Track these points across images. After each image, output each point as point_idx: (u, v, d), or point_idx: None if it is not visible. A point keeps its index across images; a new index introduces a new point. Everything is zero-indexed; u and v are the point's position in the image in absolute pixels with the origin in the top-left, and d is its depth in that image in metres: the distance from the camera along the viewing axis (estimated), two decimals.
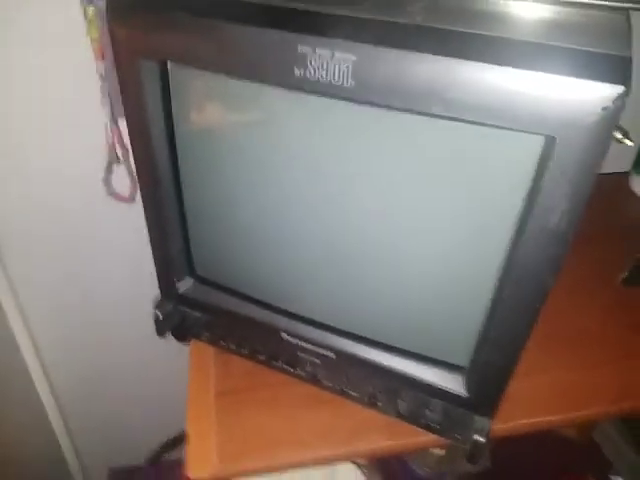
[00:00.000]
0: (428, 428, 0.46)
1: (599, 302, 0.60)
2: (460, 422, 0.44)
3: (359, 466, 0.76)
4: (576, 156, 0.27)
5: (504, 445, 0.88)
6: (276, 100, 0.34)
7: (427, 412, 0.45)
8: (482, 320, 0.38)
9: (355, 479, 0.73)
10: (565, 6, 0.30)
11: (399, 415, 0.46)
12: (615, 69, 0.26)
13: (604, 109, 0.26)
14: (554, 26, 0.30)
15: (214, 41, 0.32)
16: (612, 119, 0.26)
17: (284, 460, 0.47)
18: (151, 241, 0.47)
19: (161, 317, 0.50)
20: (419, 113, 0.29)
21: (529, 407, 0.50)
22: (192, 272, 0.49)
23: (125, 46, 0.35)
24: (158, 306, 0.50)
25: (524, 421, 0.49)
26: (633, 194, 0.76)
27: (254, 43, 0.31)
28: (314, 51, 0.29)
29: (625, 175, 0.78)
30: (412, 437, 0.47)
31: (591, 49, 0.27)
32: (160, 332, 0.52)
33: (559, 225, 0.30)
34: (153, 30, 0.34)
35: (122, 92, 0.37)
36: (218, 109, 0.38)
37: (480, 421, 0.43)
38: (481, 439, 0.42)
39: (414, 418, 0.46)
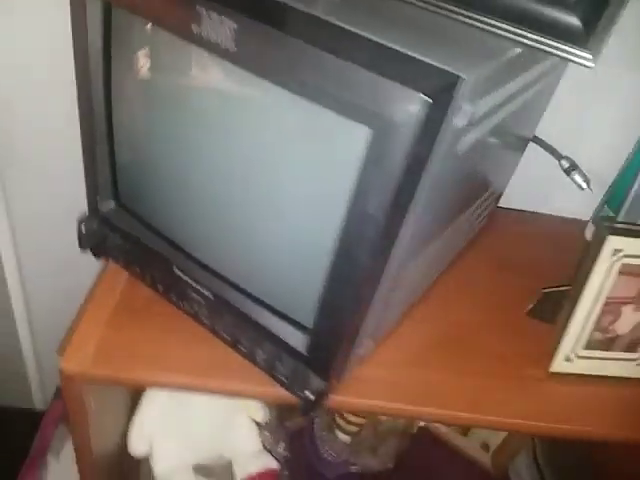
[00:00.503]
0: (278, 380, 0.51)
1: (502, 324, 0.65)
2: (302, 379, 0.49)
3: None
4: (386, 150, 0.32)
5: (416, 457, 0.93)
6: (182, 51, 0.40)
7: (278, 365, 0.50)
8: (321, 287, 0.43)
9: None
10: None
11: (257, 363, 0.51)
12: (430, 81, 0.31)
13: (404, 109, 0.31)
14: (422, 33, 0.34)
15: None
16: (417, 124, 0.31)
17: (148, 379, 0.52)
18: (84, 161, 0.53)
19: (83, 231, 0.57)
20: (277, 84, 0.35)
21: (385, 392, 0.55)
22: (116, 197, 0.55)
23: None
24: (83, 221, 0.57)
25: (365, 401, 0.54)
26: (582, 238, 0.79)
27: None
28: (207, 13, 0.35)
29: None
30: (262, 386, 0.52)
31: (422, 59, 0.32)
32: (82, 245, 0.58)
33: (375, 212, 0.35)
34: None
35: (72, 27, 0.44)
36: (143, 53, 0.44)
37: (316, 381, 0.48)
38: (310, 396, 0.47)
39: (268, 368, 0.51)
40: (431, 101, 0.31)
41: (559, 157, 0.71)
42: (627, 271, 0.56)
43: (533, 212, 0.86)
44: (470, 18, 0.40)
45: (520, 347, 0.63)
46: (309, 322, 0.46)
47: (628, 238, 0.54)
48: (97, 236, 0.57)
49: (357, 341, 0.49)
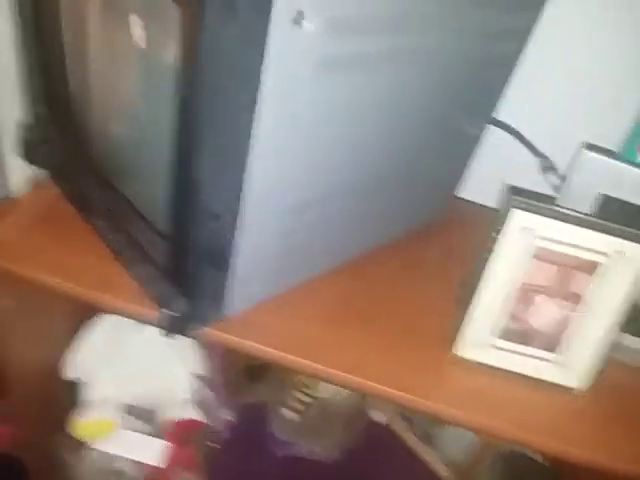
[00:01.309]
0: (154, 298, 0.51)
1: (426, 305, 0.62)
2: (167, 296, 0.48)
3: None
4: (186, 27, 0.33)
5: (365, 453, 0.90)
6: None
7: (155, 283, 0.50)
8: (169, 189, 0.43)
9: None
10: None
11: (136, 278, 0.52)
12: None
13: None
14: None
15: None
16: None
17: (43, 279, 0.54)
18: (22, 69, 0.57)
19: (22, 135, 0.60)
20: None
21: (266, 336, 0.53)
22: (50, 107, 0.58)
23: None
24: (21, 125, 0.60)
25: (240, 340, 0.53)
26: None
27: None
28: None
29: None
30: (145, 307, 0.52)
31: None
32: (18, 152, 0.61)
33: (188, 94, 0.35)
34: None
35: None
36: None
37: (180, 301, 0.48)
38: (166, 312, 0.47)
39: (145, 286, 0.51)
40: None
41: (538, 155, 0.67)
42: (542, 256, 0.51)
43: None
44: None
45: (435, 329, 0.59)
46: (167, 231, 0.46)
47: (539, 216, 0.49)
48: (32, 144, 0.60)
49: (231, 273, 0.48)
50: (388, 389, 0.53)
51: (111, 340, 0.78)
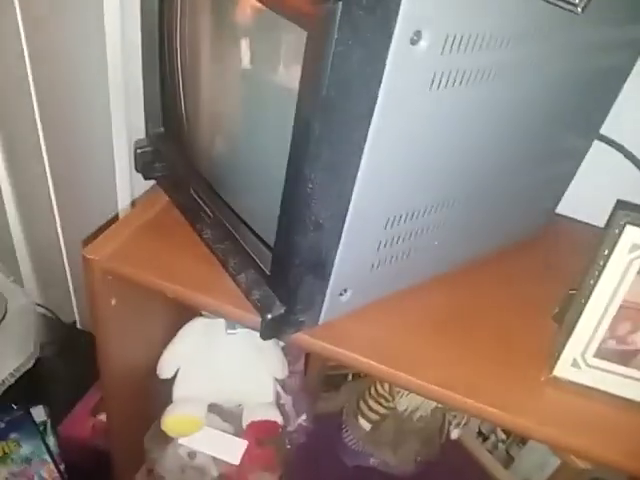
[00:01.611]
0: (253, 304, 0.53)
1: (523, 321, 0.61)
2: (267, 302, 0.51)
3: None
4: (311, 50, 0.35)
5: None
6: None
7: (255, 289, 0.53)
8: (279, 205, 0.45)
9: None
10: None
11: (239, 284, 0.55)
12: None
13: (325, 9, 0.33)
14: None
15: None
16: (332, 21, 0.33)
17: (154, 282, 0.58)
18: (143, 89, 0.62)
19: (138, 151, 0.66)
20: None
21: (361, 346, 0.54)
22: (164, 123, 0.64)
23: None
24: (138, 142, 0.66)
25: (335, 348, 0.54)
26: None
27: None
28: None
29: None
30: (244, 311, 0.55)
31: None
32: (135, 166, 0.67)
33: (305, 116, 0.37)
34: None
35: None
36: None
37: (277, 306, 0.50)
38: (268, 316, 0.49)
39: (247, 291, 0.54)
40: (357, 4, 0.32)
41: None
42: None
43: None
44: None
45: (533, 346, 0.58)
46: (272, 240, 0.48)
47: None
48: (147, 159, 0.65)
49: (329, 280, 0.50)
50: (480, 405, 0.52)
51: (203, 341, 0.82)
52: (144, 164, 0.66)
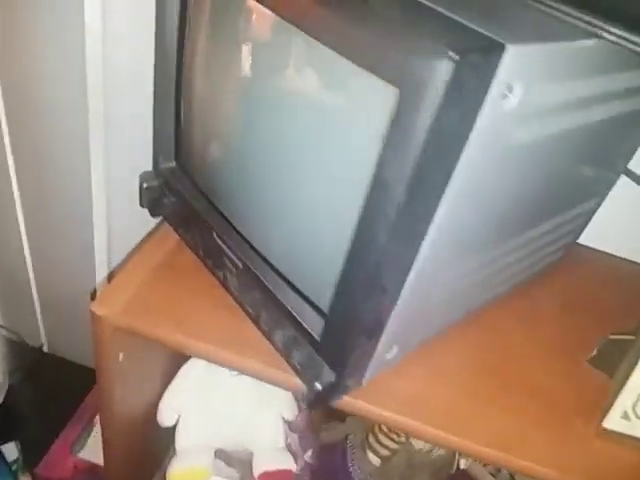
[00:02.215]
0: (292, 365, 0.49)
1: (558, 366, 0.59)
2: (313, 368, 0.46)
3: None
4: (408, 110, 0.30)
5: None
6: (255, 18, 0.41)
7: (293, 348, 0.48)
8: (339, 268, 0.40)
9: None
10: None
11: (274, 343, 0.50)
12: (455, 37, 0.29)
13: (431, 69, 0.28)
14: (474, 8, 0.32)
15: None
16: (440, 81, 0.28)
17: (168, 338, 0.53)
18: (153, 120, 0.56)
19: (144, 186, 0.59)
20: (314, 37, 0.34)
21: (405, 406, 0.51)
22: (177, 158, 0.57)
23: None
24: (144, 176, 0.59)
25: (381, 410, 0.50)
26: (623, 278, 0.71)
27: None
28: None
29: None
30: (275, 369, 0.50)
31: (463, 21, 0.30)
32: (140, 201, 0.61)
33: (389, 178, 0.33)
34: None
35: None
36: (214, 17, 0.45)
37: (327, 373, 0.45)
38: (318, 386, 0.45)
39: (284, 350, 0.49)
40: (463, 62, 0.28)
41: None
42: None
43: (617, 256, 0.77)
44: (538, 2, 0.37)
45: (573, 394, 0.56)
46: (325, 306, 0.44)
47: None
48: (155, 194, 0.59)
49: (379, 340, 0.46)
50: (532, 465, 0.50)
51: (204, 383, 0.77)
52: (151, 200, 0.59)
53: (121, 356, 0.57)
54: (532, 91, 0.35)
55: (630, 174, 0.64)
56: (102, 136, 0.94)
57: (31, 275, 1.25)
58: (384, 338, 0.46)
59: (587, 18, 0.37)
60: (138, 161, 0.94)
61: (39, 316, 1.33)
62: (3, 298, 1.31)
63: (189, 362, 0.77)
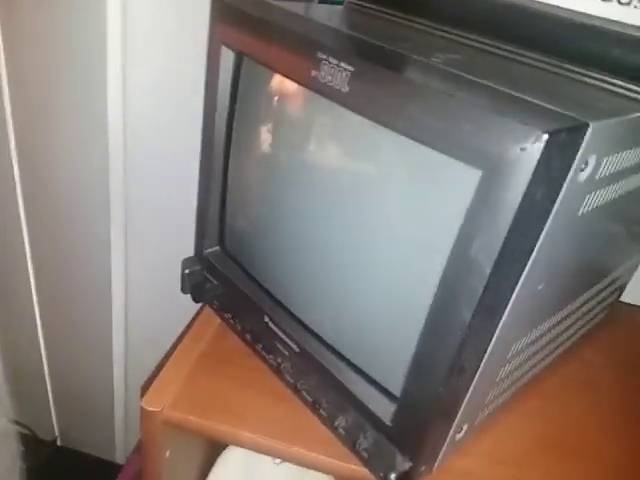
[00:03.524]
0: (357, 454, 0.46)
1: (623, 433, 0.56)
2: (384, 456, 0.44)
3: None
4: (496, 190, 0.30)
5: None
6: (301, 101, 0.42)
7: (360, 436, 0.46)
8: (413, 348, 0.39)
9: None
10: None
11: (336, 431, 0.48)
12: (542, 118, 0.29)
13: (522, 149, 0.28)
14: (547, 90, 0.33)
15: (268, 42, 0.41)
16: (531, 160, 0.29)
17: (222, 430, 0.50)
18: (197, 207, 0.56)
19: (187, 272, 0.58)
20: (388, 127, 0.34)
21: None
22: (221, 243, 0.57)
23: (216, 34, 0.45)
24: (187, 262, 0.59)
25: None
26: None
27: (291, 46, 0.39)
28: (327, 58, 0.36)
29: None
30: (339, 460, 0.48)
31: (545, 105, 0.30)
32: (182, 287, 0.60)
33: (476, 255, 0.32)
34: (236, 27, 0.44)
35: (206, 74, 0.48)
36: (263, 101, 0.46)
37: (400, 461, 0.43)
38: (392, 476, 0.42)
39: (348, 438, 0.47)
40: (552, 142, 0.28)
41: None
42: None
43: None
44: (591, 77, 0.38)
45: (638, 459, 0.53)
46: (397, 390, 0.42)
47: None
48: (198, 279, 0.58)
49: (453, 423, 0.44)
50: None
51: (244, 474, 0.73)
52: (194, 285, 0.58)
53: (168, 453, 0.54)
54: (600, 162, 0.36)
55: None
56: (122, 230, 0.95)
57: (45, 369, 1.22)
58: (458, 418, 0.44)
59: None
60: (158, 254, 0.95)
61: (52, 410, 1.29)
62: (17, 393, 1.27)
63: (227, 451, 0.73)
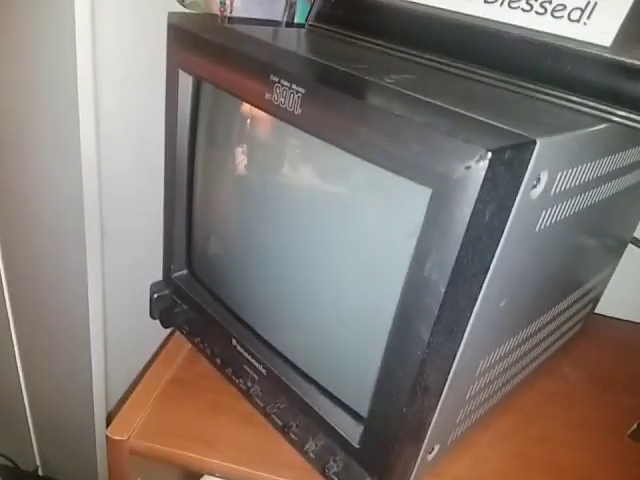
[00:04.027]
0: (327, 478, 0.45)
1: (598, 446, 0.56)
2: (354, 479, 0.43)
3: None
4: (445, 208, 0.30)
5: None
6: (258, 123, 0.42)
7: (331, 461, 0.45)
8: (377, 369, 0.39)
9: None
10: None
11: (306, 455, 0.47)
12: (487, 136, 0.29)
13: (467, 168, 0.28)
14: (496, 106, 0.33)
15: (223, 66, 0.41)
16: (477, 178, 0.29)
17: (191, 458, 0.49)
18: (164, 230, 0.55)
19: (155, 297, 0.58)
20: (341, 147, 0.34)
21: None
22: (189, 266, 0.56)
23: (173, 59, 0.45)
24: (155, 286, 0.58)
25: None
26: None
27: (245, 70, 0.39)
28: (279, 81, 0.36)
29: None
30: None
31: (491, 122, 0.30)
32: (151, 312, 0.59)
33: (430, 274, 0.32)
34: (191, 51, 0.44)
35: (166, 99, 0.48)
36: (222, 124, 0.46)
37: None
38: None
39: (318, 462, 0.46)
40: (496, 160, 0.28)
41: None
42: None
43: (633, 322, 0.76)
44: (545, 94, 0.38)
45: (619, 474, 0.52)
46: (364, 411, 0.41)
47: None
48: (167, 304, 0.58)
49: (422, 443, 0.43)
50: None
51: None
52: (162, 310, 0.58)
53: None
54: (554, 178, 0.36)
55: (637, 242, 0.65)
56: (98, 256, 0.94)
57: (25, 399, 1.19)
58: (427, 439, 0.43)
59: (595, 104, 0.39)
60: (134, 279, 0.94)
61: (33, 440, 1.26)
62: None
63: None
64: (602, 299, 0.71)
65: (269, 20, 0.62)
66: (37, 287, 1.03)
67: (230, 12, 0.67)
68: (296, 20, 0.63)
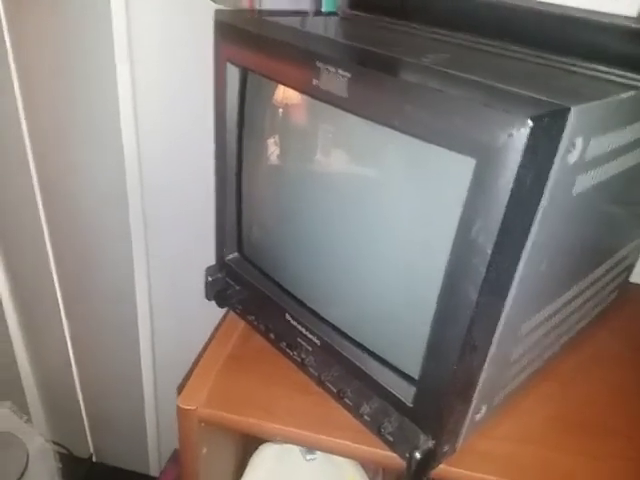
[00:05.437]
0: (383, 437, 0.49)
1: (636, 408, 0.58)
2: (408, 437, 0.46)
3: None
4: (489, 176, 0.33)
5: None
6: (304, 109, 0.45)
7: (384, 420, 0.48)
8: (427, 331, 0.42)
9: None
10: None
11: (362, 418, 0.50)
12: (525, 106, 0.32)
13: (509, 135, 0.31)
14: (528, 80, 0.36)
15: (269, 56, 0.44)
16: (519, 146, 0.31)
17: (254, 424, 0.53)
18: (215, 217, 0.59)
19: (210, 279, 0.62)
20: (387, 126, 0.37)
21: (499, 468, 0.50)
22: (240, 249, 0.60)
23: (221, 53, 0.49)
24: (209, 270, 0.62)
25: (479, 475, 0.49)
26: None
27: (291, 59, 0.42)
28: (325, 66, 0.39)
29: None
30: (367, 446, 0.50)
31: (520, 91, 0.33)
32: (207, 294, 0.63)
33: (477, 237, 0.35)
34: (238, 45, 0.47)
35: (214, 91, 0.51)
36: (270, 115, 0.49)
37: (424, 440, 0.45)
38: (417, 455, 0.44)
39: (373, 424, 0.49)
40: (536, 127, 0.31)
41: None
42: None
43: None
44: (575, 66, 0.40)
45: None
46: (415, 372, 0.45)
47: None
48: (220, 285, 0.61)
49: (471, 402, 0.46)
50: None
51: (277, 471, 0.75)
52: (217, 292, 0.62)
53: (205, 450, 0.57)
54: (588, 144, 0.38)
55: None
56: (143, 245, 0.99)
57: (78, 390, 1.26)
58: (475, 398, 0.46)
59: (622, 73, 0.41)
60: (178, 266, 0.99)
61: (87, 428, 1.33)
62: (52, 414, 1.31)
63: (259, 450, 0.76)
64: (636, 269, 0.73)
65: (296, 11, 0.65)
66: (87, 280, 1.08)
67: (259, 5, 0.70)
68: (323, 9, 0.66)
